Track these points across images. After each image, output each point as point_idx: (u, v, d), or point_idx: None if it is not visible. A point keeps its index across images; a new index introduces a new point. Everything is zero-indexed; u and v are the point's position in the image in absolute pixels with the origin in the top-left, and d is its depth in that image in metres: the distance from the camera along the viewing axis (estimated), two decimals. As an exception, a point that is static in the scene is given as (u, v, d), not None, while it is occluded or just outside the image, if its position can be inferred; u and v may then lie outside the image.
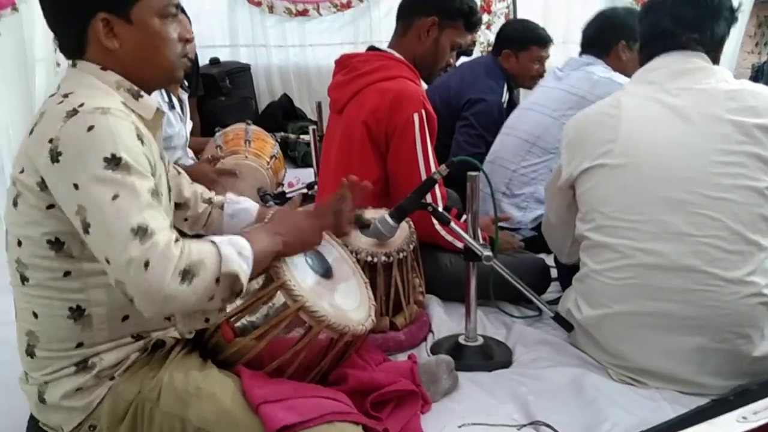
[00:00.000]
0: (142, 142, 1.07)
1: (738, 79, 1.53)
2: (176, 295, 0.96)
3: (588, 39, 2.34)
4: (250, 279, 1.07)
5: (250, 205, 1.52)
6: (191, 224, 1.49)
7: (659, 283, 1.42)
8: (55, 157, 1.01)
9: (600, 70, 2.26)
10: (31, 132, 1.08)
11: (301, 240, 1.23)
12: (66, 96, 1.07)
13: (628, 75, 2.20)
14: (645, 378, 1.47)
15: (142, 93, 1.16)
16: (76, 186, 1.00)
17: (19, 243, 1.11)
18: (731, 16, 1.54)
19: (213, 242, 1.03)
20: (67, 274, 1.10)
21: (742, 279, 1.37)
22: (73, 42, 1.13)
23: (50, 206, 1.06)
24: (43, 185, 1.04)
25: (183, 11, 2.64)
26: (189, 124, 2.67)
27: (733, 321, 1.38)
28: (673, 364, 1.43)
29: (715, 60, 1.54)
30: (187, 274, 0.97)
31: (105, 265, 0.99)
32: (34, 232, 1.08)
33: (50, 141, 1.02)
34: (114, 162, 0.99)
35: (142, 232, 0.96)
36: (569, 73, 2.33)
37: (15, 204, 1.10)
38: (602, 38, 2.30)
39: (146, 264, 0.95)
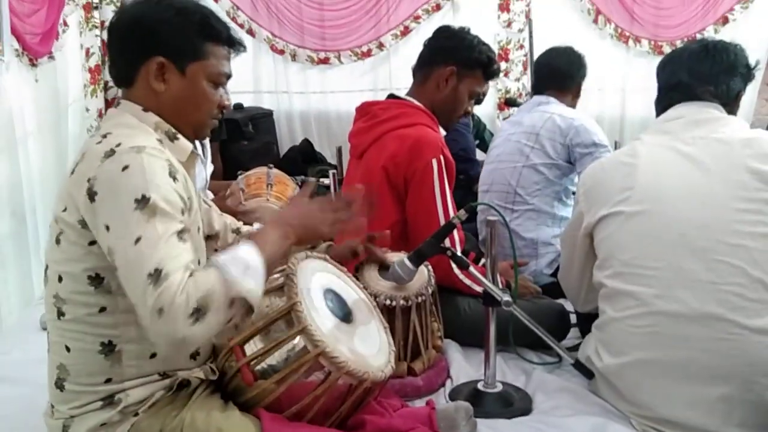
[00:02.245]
0: (175, 179, 1.11)
1: (755, 125, 1.55)
2: (193, 335, 0.99)
3: (552, 74, 2.48)
4: (265, 280, 1.08)
5: None
6: None
7: (680, 332, 1.41)
8: (92, 196, 1.06)
9: (553, 108, 2.37)
10: (72, 171, 1.13)
11: (314, 230, 1.23)
12: (105, 136, 1.12)
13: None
14: (668, 428, 1.44)
15: (179, 135, 1.22)
16: (107, 227, 1.04)
17: (60, 279, 1.14)
18: (748, 73, 1.57)
19: (217, 267, 1.03)
20: (102, 310, 1.13)
21: (764, 328, 1.35)
22: (125, 72, 1.20)
23: (92, 243, 1.10)
24: (83, 223, 1.09)
25: None
26: (210, 168, 2.74)
27: (758, 371, 1.36)
28: (698, 415, 1.40)
29: (732, 114, 1.56)
30: (198, 313, 0.98)
31: (135, 307, 1.03)
32: (75, 268, 1.12)
33: (88, 180, 1.07)
34: (143, 203, 1.03)
35: (156, 276, 0.98)
36: (523, 117, 2.45)
37: (57, 241, 1.14)
38: (567, 74, 2.46)
39: (160, 311, 0.97)
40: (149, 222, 1.02)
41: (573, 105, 2.46)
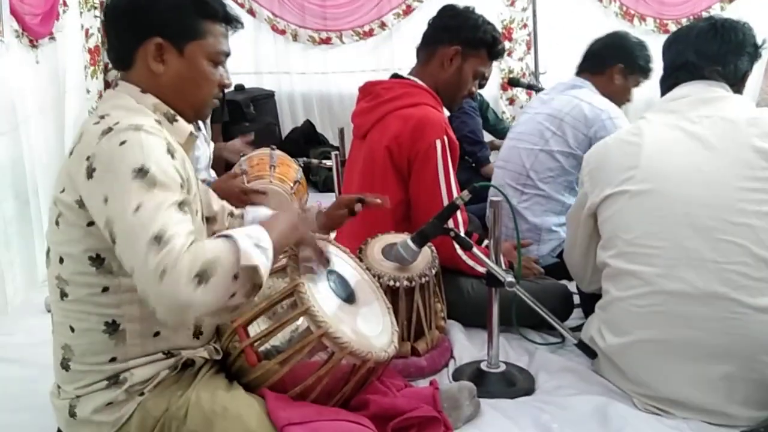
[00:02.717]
0: (173, 157, 1.11)
1: (761, 104, 1.53)
2: (193, 301, 0.95)
3: (589, 52, 2.34)
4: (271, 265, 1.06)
5: (268, 212, 1.53)
6: None
7: (684, 311, 1.41)
8: (90, 173, 1.05)
9: (584, 93, 2.24)
10: (71, 153, 1.13)
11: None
12: (102, 117, 1.12)
13: (615, 102, 2.23)
14: (671, 408, 1.45)
15: (177, 117, 1.21)
16: (105, 199, 1.03)
17: (61, 260, 1.15)
18: (755, 52, 1.55)
19: (229, 236, 1.02)
20: (105, 289, 1.13)
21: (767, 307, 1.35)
22: (123, 54, 1.19)
23: (90, 223, 1.10)
24: (81, 203, 1.09)
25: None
26: (211, 146, 2.74)
27: (761, 349, 1.36)
28: (700, 394, 1.41)
29: (738, 93, 1.54)
30: (202, 277, 0.95)
31: (132, 274, 1.00)
32: (76, 249, 1.12)
33: (87, 158, 1.06)
34: (142, 173, 1.02)
35: (158, 240, 0.97)
36: (554, 96, 2.33)
37: (57, 223, 1.14)
38: (603, 55, 2.28)
39: (162, 273, 0.95)
40: (149, 191, 1.01)
41: (608, 91, 2.25)
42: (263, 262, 1.02)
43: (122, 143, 1.05)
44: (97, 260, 1.12)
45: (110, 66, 3.72)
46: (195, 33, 1.18)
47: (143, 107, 1.17)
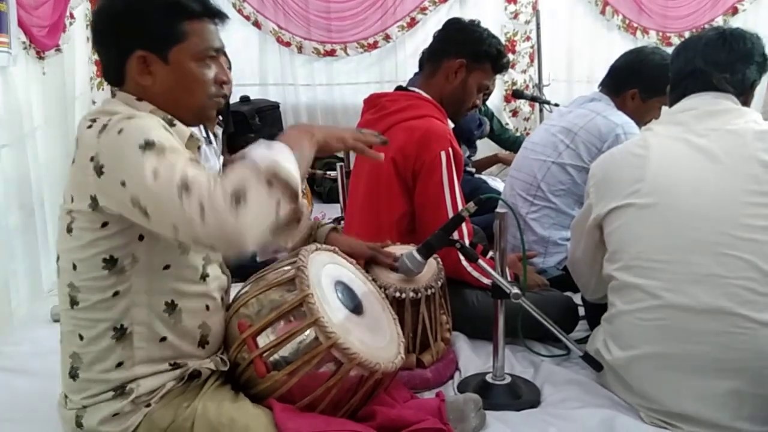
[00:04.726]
0: (171, 134, 1.11)
1: (765, 116, 1.53)
2: (242, 221, 0.94)
3: (611, 70, 2.30)
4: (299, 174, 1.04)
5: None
6: None
7: (690, 325, 1.40)
8: (99, 170, 1.06)
9: (601, 107, 2.21)
10: (74, 161, 1.14)
11: (337, 136, 1.22)
12: (94, 120, 1.12)
13: (634, 121, 2.17)
14: (678, 422, 1.44)
15: (175, 122, 1.20)
16: (123, 183, 1.03)
17: (74, 267, 1.15)
18: (764, 62, 1.55)
19: (240, 158, 1.02)
20: (116, 294, 1.14)
21: (775, 322, 1.35)
22: (113, 72, 1.20)
23: (104, 224, 1.11)
24: (94, 204, 1.09)
25: (224, 54, 2.78)
26: (221, 159, 2.75)
27: (768, 364, 1.36)
28: (708, 409, 1.40)
29: (746, 104, 1.55)
30: (238, 196, 0.95)
31: (175, 234, 0.99)
32: (89, 253, 1.13)
33: (91, 159, 1.07)
34: (148, 146, 1.02)
35: (184, 186, 0.97)
36: (572, 110, 2.30)
37: (69, 230, 1.15)
38: (619, 77, 2.25)
39: (201, 209, 0.95)
40: (159, 156, 1.01)
41: (625, 112, 2.20)
42: (283, 157, 1.01)
43: (120, 131, 1.06)
44: (111, 262, 1.13)
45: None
46: (176, 37, 1.15)
47: (136, 112, 1.17)
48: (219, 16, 1.20)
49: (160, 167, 1.00)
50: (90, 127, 1.11)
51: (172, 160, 1.01)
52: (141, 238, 1.13)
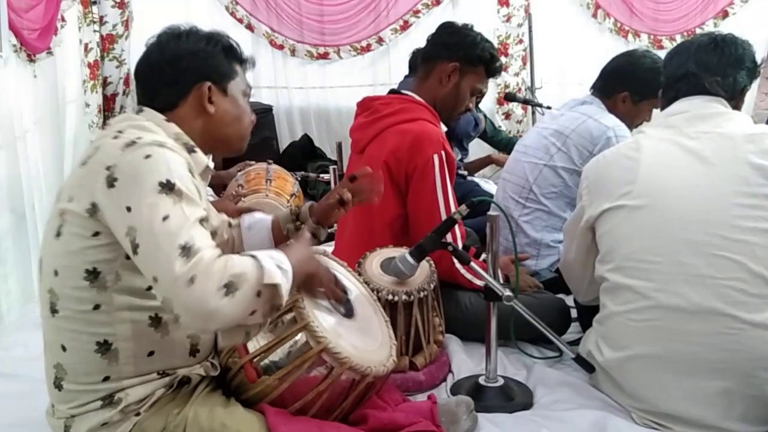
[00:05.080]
0: (193, 177, 1.14)
1: (755, 119, 1.54)
2: (220, 310, 0.98)
3: (602, 73, 2.31)
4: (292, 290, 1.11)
5: (264, 216, 1.56)
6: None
7: (681, 326, 1.41)
8: (111, 182, 1.07)
9: (592, 110, 2.22)
10: (84, 163, 1.14)
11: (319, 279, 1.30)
12: (121, 132, 1.15)
13: (626, 124, 2.19)
14: (669, 422, 1.44)
15: (196, 149, 1.24)
16: (129, 208, 1.05)
17: (56, 273, 1.14)
18: (754, 68, 1.57)
19: (253, 256, 1.07)
20: (96, 307, 1.13)
21: (765, 323, 1.36)
22: (170, 98, 1.25)
23: (96, 233, 1.10)
24: (92, 211, 1.09)
25: None
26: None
27: (758, 365, 1.36)
28: (698, 409, 1.41)
29: (737, 109, 1.56)
30: (230, 288, 0.99)
31: (153, 283, 1.03)
32: (73, 262, 1.12)
33: (107, 168, 1.08)
34: (168, 187, 1.05)
35: (187, 250, 1.00)
36: (564, 113, 2.31)
37: (58, 234, 1.14)
38: (609, 81, 2.26)
39: (191, 280, 0.98)
40: (176, 204, 1.05)
41: (616, 114, 2.21)
42: (284, 282, 1.07)
43: (147, 156, 1.08)
44: (93, 274, 1.12)
45: (109, 80, 3.74)
46: (232, 74, 1.31)
47: (163, 131, 1.20)
48: (252, 63, 1.39)
49: (173, 215, 1.04)
50: (116, 138, 1.13)
51: (186, 213, 1.05)
52: (128, 257, 1.10)
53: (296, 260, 1.15)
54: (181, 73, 1.26)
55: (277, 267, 1.06)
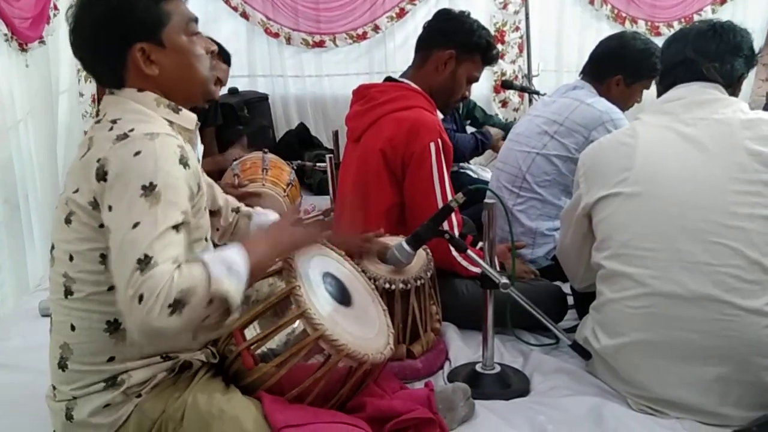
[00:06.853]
0: (186, 165, 1.12)
1: (752, 105, 1.54)
2: (167, 328, 0.99)
3: (591, 57, 2.30)
4: (248, 287, 1.10)
5: (276, 218, 1.54)
6: (222, 234, 1.51)
7: (677, 313, 1.41)
8: (101, 175, 1.07)
9: (583, 94, 2.21)
10: (83, 156, 1.13)
11: (299, 245, 1.30)
12: (114, 122, 1.13)
13: (618, 107, 2.18)
14: (665, 408, 1.45)
15: (180, 107, 1.21)
16: (110, 208, 1.06)
17: (71, 258, 1.15)
18: (752, 56, 1.57)
19: (203, 263, 1.05)
20: (111, 288, 1.13)
21: (761, 309, 1.36)
22: (112, 74, 1.19)
23: (102, 225, 1.11)
24: (94, 204, 1.10)
25: (224, 58, 2.81)
26: (200, 148, 2.75)
27: (754, 351, 1.37)
28: (694, 395, 1.42)
29: (734, 96, 1.56)
30: (177, 305, 0.99)
31: (116, 291, 1.04)
32: (86, 247, 1.13)
33: (98, 161, 1.08)
34: (149, 190, 1.04)
35: (145, 263, 1.00)
36: (556, 99, 2.30)
37: (68, 222, 1.14)
38: (601, 64, 2.25)
39: (140, 298, 0.98)
40: (151, 209, 1.04)
41: (608, 98, 2.20)
42: (234, 287, 1.05)
43: (137, 153, 1.06)
44: (107, 258, 1.12)
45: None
46: (162, 19, 1.17)
47: (149, 110, 1.17)
48: None
49: (144, 222, 1.03)
50: (110, 129, 1.11)
51: (159, 220, 1.03)
52: None
53: (260, 253, 1.15)
54: (106, 48, 1.16)
55: (228, 270, 1.05)
